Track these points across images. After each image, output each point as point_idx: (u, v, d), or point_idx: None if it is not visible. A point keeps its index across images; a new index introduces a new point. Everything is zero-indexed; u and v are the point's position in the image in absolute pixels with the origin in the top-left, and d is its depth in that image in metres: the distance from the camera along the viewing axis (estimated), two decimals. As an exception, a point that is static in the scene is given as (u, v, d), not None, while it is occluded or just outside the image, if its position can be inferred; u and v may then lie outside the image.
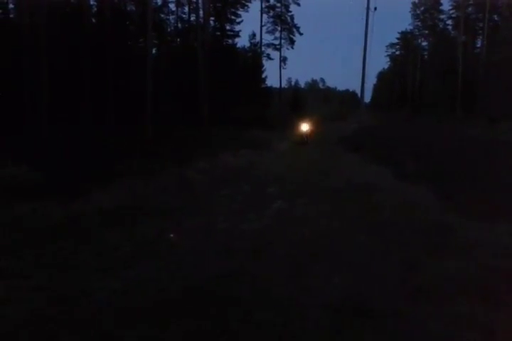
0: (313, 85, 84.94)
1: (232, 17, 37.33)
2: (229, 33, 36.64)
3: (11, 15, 26.90)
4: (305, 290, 4.35)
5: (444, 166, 11.49)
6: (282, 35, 45.45)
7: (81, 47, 24.15)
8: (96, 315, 3.79)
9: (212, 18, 34.38)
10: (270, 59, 44.29)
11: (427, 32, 51.63)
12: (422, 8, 50.73)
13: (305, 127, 20.61)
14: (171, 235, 6.16)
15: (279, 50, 45.34)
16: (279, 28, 45.30)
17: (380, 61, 71.23)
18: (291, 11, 45.01)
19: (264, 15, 43.62)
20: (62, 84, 22.53)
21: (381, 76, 69.83)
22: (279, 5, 44.39)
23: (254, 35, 40.79)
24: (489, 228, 6.20)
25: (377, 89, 72.33)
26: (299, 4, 44.17)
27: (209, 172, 11.50)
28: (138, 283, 4.47)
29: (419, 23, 52.07)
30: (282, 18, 44.97)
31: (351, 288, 4.39)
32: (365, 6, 32.34)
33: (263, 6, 43.14)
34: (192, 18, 35.03)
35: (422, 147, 15.91)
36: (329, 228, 6.51)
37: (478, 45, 44.36)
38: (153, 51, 28.94)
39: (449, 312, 3.85)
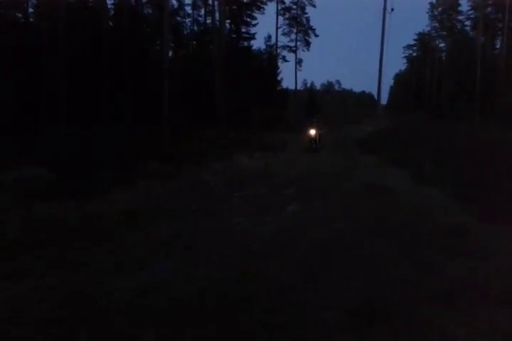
0: (328, 87, 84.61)
1: (248, 19, 37.48)
2: (244, 35, 36.79)
3: (31, 19, 27.38)
4: (321, 292, 4.29)
5: (464, 169, 11.28)
6: (298, 37, 45.52)
7: (99, 49, 24.47)
8: (113, 315, 3.79)
9: (228, 21, 34.55)
10: (286, 61, 44.39)
11: (444, 33, 51.04)
12: (440, 9, 50.20)
13: (313, 132, 18.00)
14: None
15: (295, 52, 45.41)
16: (295, 30, 45.36)
17: (397, 62, 70.73)
18: (307, 13, 45.06)
19: (280, 18, 43.74)
20: (80, 85, 22.85)
21: (398, 77, 69.29)
22: (294, 7, 44.45)
23: (269, 37, 40.91)
24: (509, 231, 6.05)
25: (394, 90, 71.75)
26: (314, 6, 44.16)
27: (225, 174, 11.50)
28: (154, 284, 4.47)
29: (436, 24, 51.54)
30: (298, 20, 44.99)
31: (368, 290, 4.31)
32: (382, 7, 32.11)
33: (279, 8, 43.26)
34: (208, 21, 35.30)
35: (441, 149, 15.67)
36: (345, 230, 6.43)
37: (498, 46, 43.71)
38: (170, 54, 29.17)
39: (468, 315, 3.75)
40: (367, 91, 79.09)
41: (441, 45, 53.63)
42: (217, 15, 31.21)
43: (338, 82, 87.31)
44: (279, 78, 39.89)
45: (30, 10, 27.42)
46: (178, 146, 16.35)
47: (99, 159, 12.00)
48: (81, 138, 16.77)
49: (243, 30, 36.72)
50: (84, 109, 22.67)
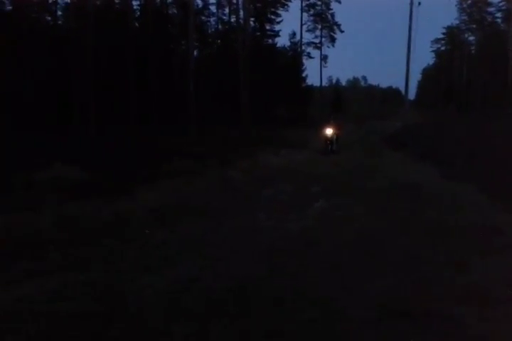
0: (354, 83, 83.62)
1: (272, 17, 37.40)
2: (269, 32, 36.74)
3: (59, 22, 28.05)
4: (349, 290, 4.26)
5: (495, 165, 10.96)
6: (323, 34, 45.08)
7: (125, 50, 24.86)
8: (143, 312, 3.86)
9: (252, 19, 34.56)
10: (310, 57, 44.05)
11: (474, 26, 49.65)
12: (469, 2, 48.81)
13: (330, 132, 16.13)
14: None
15: (320, 48, 44.99)
16: (320, 27, 44.94)
17: (424, 57, 69.29)
18: (331, 9, 44.60)
19: (305, 14, 43.43)
20: (109, 86, 23.28)
21: (426, 72, 67.86)
22: (319, 3, 44.05)
23: (294, 34, 40.71)
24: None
25: (421, 85, 70.37)
26: (339, 1, 43.63)
27: (251, 172, 11.53)
28: (182, 282, 4.52)
29: (465, 17, 50.15)
30: (323, 16, 44.58)
31: (396, 289, 4.25)
32: (409, 0, 31.46)
33: (303, 4, 42.93)
34: (232, 19, 35.37)
35: (471, 145, 15.27)
36: (373, 228, 6.35)
37: (531, 38, 42.19)
38: (195, 53, 29.39)
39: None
40: (394, 87, 77.74)
41: (471, 38, 52.30)
42: (241, 13, 31.28)
43: (364, 77, 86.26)
44: (303, 75, 39.73)
45: (59, 12, 28.13)
46: (204, 145, 16.48)
47: (128, 158, 12.22)
48: (110, 138, 17.09)
49: (267, 27, 36.69)
50: (112, 110, 23.10)
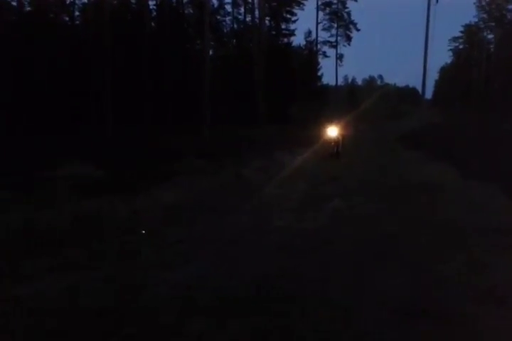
0: (370, 82, 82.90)
1: (288, 16, 37.27)
2: (284, 31, 36.62)
3: (77, 22, 28.39)
4: (364, 290, 4.23)
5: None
6: (339, 32, 44.79)
7: (142, 50, 25.06)
8: (159, 307, 3.89)
9: (267, 18, 34.51)
10: (326, 56, 43.80)
11: (493, 24, 48.79)
12: (488, -1, 48.02)
13: (334, 133, 14.60)
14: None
15: (336, 47, 44.72)
16: (336, 25, 44.65)
17: (442, 56, 68.27)
18: (347, 7, 44.25)
19: (320, 13, 43.21)
20: (125, 86, 23.49)
21: (443, 71, 66.95)
22: (335, 1, 43.76)
23: (309, 32, 40.55)
24: None
25: (439, 85, 69.41)
26: (356, 0, 43.29)
27: (265, 171, 11.52)
28: (197, 279, 4.55)
29: (484, 15, 49.31)
30: (339, 14, 44.29)
31: (413, 289, 4.21)
32: (427, -2, 31.04)
33: (319, 3, 42.73)
34: (248, 19, 35.37)
35: (490, 145, 15.05)
36: (388, 228, 6.30)
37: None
38: (210, 52, 29.48)
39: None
40: (410, 86, 76.82)
41: (490, 36, 51.40)
42: (256, 12, 31.30)
43: (380, 76, 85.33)
44: (319, 74, 39.53)
45: (77, 13, 28.48)
46: (219, 144, 16.53)
47: (143, 157, 12.34)
48: (125, 137, 17.27)
49: (283, 26, 36.58)
50: (128, 110, 23.31)
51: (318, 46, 42.05)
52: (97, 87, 22.60)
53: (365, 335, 3.44)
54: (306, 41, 40.32)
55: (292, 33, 37.02)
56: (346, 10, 44.40)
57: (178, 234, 6.16)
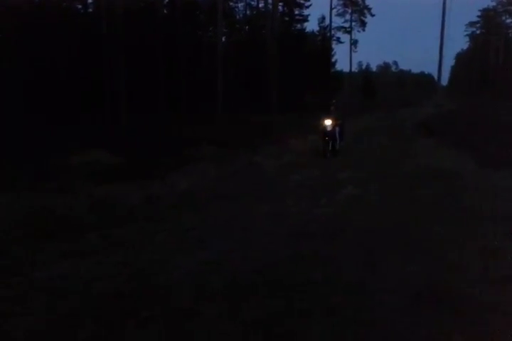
0: (385, 68, 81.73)
1: (301, 1, 36.71)
2: (298, 17, 36.13)
3: (90, 10, 28.36)
4: (379, 275, 4.22)
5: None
6: (353, 18, 44.13)
7: (154, 37, 24.98)
8: (174, 292, 3.94)
9: (280, 4, 34.03)
10: (340, 42, 43.25)
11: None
12: (508, -18, 46.71)
13: (329, 123, 11.67)
14: None
15: (350, 32, 44.11)
16: (350, 10, 43.98)
17: (458, 41, 66.74)
18: (362, -8, 43.46)
19: (334, -2, 42.49)
20: (138, 74, 23.50)
21: (460, 57, 65.66)
22: (349, -14, 43.01)
23: (323, 18, 39.98)
24: None
25: (455, 71, 68.19)
26: (370, -16, 42.44)
27: (278, 158, 11.49)
28: (212, 264, 4.59)
29: (503, -1, 48.05)
30: (353, -1, 43.55)
31: (428, 275, 4.19)
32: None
33: (333, -12, 42.01)
34: (261, 5, 34.95)
35: (506, 133, 14.77)
36: (403, 215, 6.25)
37: None
38: (222, 39, 29.26)
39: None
40: (426, 72, 75.56)
41: (508, 21, 50.11)
42: (269, -2, 30.83)
43: (395, 62, 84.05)
44: (333, 60, 39.07)
45: (89, 0, 28.41)
46: (232, 132, 16.51)
47: (157, 145, 12.40)
48: (139, 125, 17.35)
49: (296, 12, 36.06)
50: (141, 98, 23.35)
51: (332, 32, 41.52)
52: (110, 75, 22.64)
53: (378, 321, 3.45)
54: (320, 27, 39.82)
55: (306, 19, 36.52)
56: (361, -6, 43.67)
57: (193, 220, 6.21)
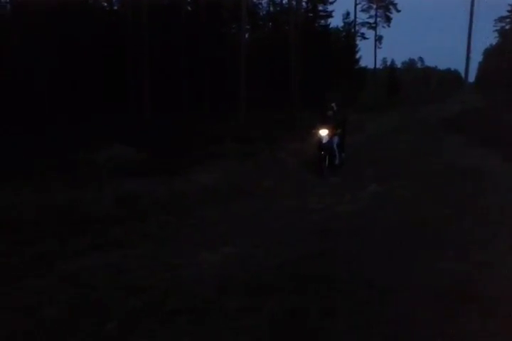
0: (410, 65, 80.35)
1: (326, -3, 36.32)
2: (322, 13, 35.75)
3: (115, 7, 28.72)
4: (404, 273, 4.18)
5: None
6: (378, 13, 43.47)
7: (178, 34, 25.14)
8: (199, 285, 3.98)
9: (304, 0, 33.81)
10: (365, 38, 42.69)
11: (544, 1, 46.08)
12: (540, -26, 45.25)
13: (325, 133, 9.07)
14: None
15: (375, 28, 43.50)
16: (375, 6, 43.36)
17: (487, 37, 64.95)
18: (387, -13, 42.78)
19: (359, -7, 41.95)
20: (162, 72, 23.70)
21: (488, 53, 64.04)
22: (374, -19, 42.39)
23: (348, 14, 39.48)
24: None
25: (482, 67, 66.51)
26: (396, -21, 41.77)
27: (301, 155, 11.43)
28: (235, 258, 4.62)
29: (535, -8, 46.58)
30: (378, -5, 42.92)
31: (457, 273, 4.12)
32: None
33: (358, -17, 41.48)
34: (284, 1, 34.77)
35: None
36: (429, 213, 6.15)
37: None
38: (246, 36, 29.21)
39: None
40: (452, 69, 73.94)
41: (540, 15, 48.55)
42: (293, -6, 30.61)
43: (421, 59, 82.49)
44: (357, 57, 38.59)
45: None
46: (255, 128, 16.51)
47: (181, 141, 12.51)
48: (163, 122, 17.51)
49: (320, 8, 35.70)
50: (165, 94, 23.54)
51: (357, 28, 41.00)
52: (133, 72, 22.90)
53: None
54: (344, 23, 39.33)
55: (330, 15, 36.12)
56: (386, -10, 43.01)
57: (216, 215, 6.25)
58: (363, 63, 41.12)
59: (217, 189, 7.58)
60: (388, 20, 43.79)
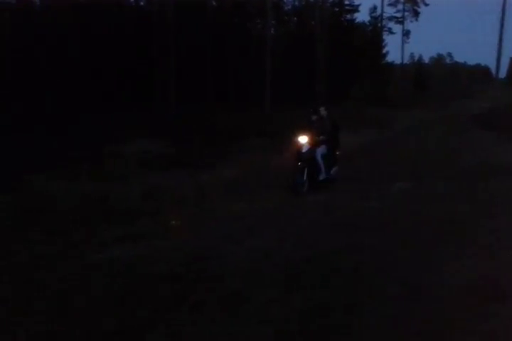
0: (438, 60, 78.66)
1: (352, -9, 35.80)
2: (348, 7, 35.24)
3: (141, 3, 29.02)
4: (430, 269, 4.11)
5: None
6: (405, 7, 42.56)
7: (204, 29, 25.26)
8: (226, 277, 4.00)
9: (330, -6, 33.39)
10: (392, 33, 41.85)
11: None
12: None
13: (305, 140, 7.55)
14: None
15: (402, 23, 42.63)
16: (402, 0, 42.46)
17: (519, 31, 62.94)
18: (416, -19, 41.82)
19: (386, -13, 41.14)
20: (188, 65, 23.89)
21: (520, 48, 62.06)
22: (402, -25, 41.52)
23: (374, 8, 38.78)
24: None
25: (514, 63, 64.55)
26: (424, -28, 40.84)
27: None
28: (261, 251, 4.62)
29: None
30: (406, -12, 42.04)
31: (482, 270, 4.03)
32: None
33: (385, -23, 40.65)
34: (310, -5, 34.42)
35: None
36: (455, 211, 6.01)
37: None
38: (271, 31, 29.12)
39: None
40: (482, 65, 72.13)
41: None
42: (319, -12, 30.30)
43: (449, 54, 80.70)
44: (384, 51, 37.96)
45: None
46: (280, 123, 16.47)
47: (206, 134, 12.59)
48: (189, 115, 17.65)
49: (346, 2, 35.21)
50: (190, 88, 23.72)
51: (384, 22, 40.23)
52: (160, 66, 23.14)
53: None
54: (371, 17, 38.68)
55: (356, 9, 35.59)
56: (414, -17, 42.06)
57: (242, 208, 6.27)
58: (389, 58, 40.43)
59: (242, 182, 7.64)
60: (416, 14, 42.83)
